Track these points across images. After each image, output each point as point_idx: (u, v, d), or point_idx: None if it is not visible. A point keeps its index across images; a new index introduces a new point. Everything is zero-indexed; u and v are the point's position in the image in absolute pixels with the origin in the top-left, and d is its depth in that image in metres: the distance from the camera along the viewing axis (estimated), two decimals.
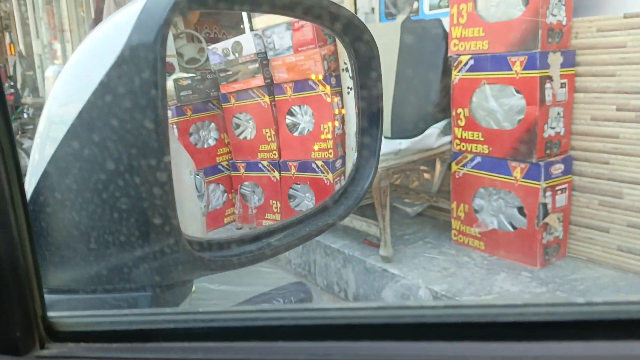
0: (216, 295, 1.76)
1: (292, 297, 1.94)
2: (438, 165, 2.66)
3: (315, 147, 2.67)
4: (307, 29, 2.51)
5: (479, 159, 2.28)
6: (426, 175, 2.76)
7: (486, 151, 2.25)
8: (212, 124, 3.12)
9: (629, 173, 2.02)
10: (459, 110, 2.31)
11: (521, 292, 1.98)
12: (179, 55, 4.22)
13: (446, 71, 2.36)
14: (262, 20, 2.84)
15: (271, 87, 2.80)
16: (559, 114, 2.11)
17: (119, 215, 0.41)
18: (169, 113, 2.92)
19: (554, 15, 1.99)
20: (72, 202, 0.42)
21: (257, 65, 2.76)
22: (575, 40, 2.09)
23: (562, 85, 2.08)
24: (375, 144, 0.57)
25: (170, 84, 2.90)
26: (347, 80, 2.44)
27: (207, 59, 3.86)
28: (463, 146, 2.34)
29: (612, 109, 2.03)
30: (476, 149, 2.28)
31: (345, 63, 2.48)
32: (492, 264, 2.25)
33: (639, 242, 2.03)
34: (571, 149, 2.20)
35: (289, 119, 2.79)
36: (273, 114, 2.83)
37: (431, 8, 2.74)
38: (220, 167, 3.14)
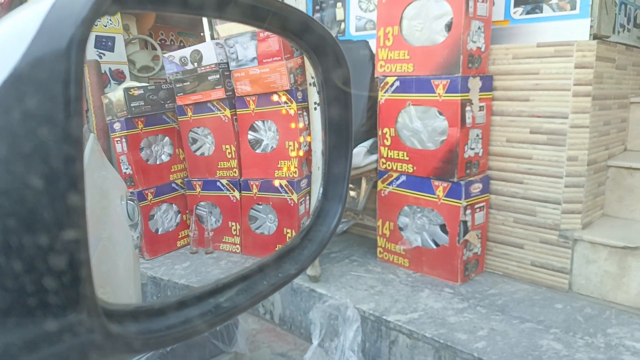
0: None
1: None
2: (364, 184, 2.69)
3: (279, 166, 2.53)
4: (273, 39, 2.39)
5: (403, 177, 2.33)
6: (352, 193, 2.79)
7: (411, 170, 2.30)
8: (166, 139, 2.91)
9: (542, 192, 2.15)
10: (385, 129, 2.36)
11: (444, 308, 2.03)
12: (131, 62, 3.95)
13: (373, 91, 2.40)
14: (225, 28, 2.67)
15: (232, 100, 2.65)
16: (477, 135, 2.21)
17: (9, 279, 0.28)
18: (118, 125, 2.69)
19: (474, 42, 2.09)
20: None
21: (217, 76, 2.59)
22: (493, 66, 2.21)
23: (481, 108, 2.19)
24: (344, 177, 0.50)
25: (120, 93, 2.66)
26: (314, 96, 2.35)
27: (162, 68, 3.62)
28: (389, 165, 2.38)
29: (525, 132, 2.16)
30: (401, 167, 2.33)
31: (312, 77, 2.37)
32: (416, 280, 2.29)
33: (551, 258, 2.16)
34: (488, 169, 2.31)
35: (251, 135, 2.64)
36: (234, 129, 2.67)
37: (357, 30, 2.79)
38: (174, 185, 2.94)
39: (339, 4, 2.88)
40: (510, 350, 1.70)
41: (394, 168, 2.36)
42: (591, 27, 2.02)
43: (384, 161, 2.40)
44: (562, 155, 2.08)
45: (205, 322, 0.38)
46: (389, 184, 2.40)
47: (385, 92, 2.32)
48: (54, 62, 0.28)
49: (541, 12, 2.14)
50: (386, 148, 2.38)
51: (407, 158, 2.30)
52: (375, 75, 2.38)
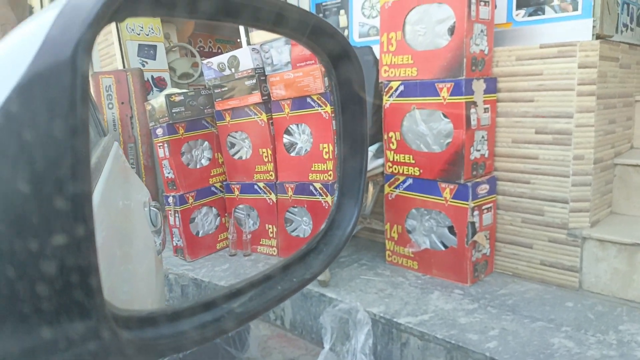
0: None
1: None
2: (371, 188, 2.70)
3: (314, 169, 2.55)
4: None
5: (410, 180, 2.35)
6: None
7: (417, 173, 2.32)
8: (206, 143, 2.97)
9: (549, 191, 2.16)
10: (391, 133, 2.37)
11: (454, 309, 2.03)
12: (171, 69, 4.05)
13: (377, 96, 2.42)
14: (260, 34, 2.68)
15: (268, 104, 2.68)
16: (483, 137, 2.22)
17: (3, 286, 0.28)
18: (160, 131, 2.74)
19: (477, 45, 2.11)
20: None
21: (254, 81, 2.63)
22: (497, 68, 2.23)
23: (486, 110, 2.20)
24: (360, 178, 0.49)
25: (162, 99, 2.73)
26: None
27: (201, 74, 3.67)
28: (395, 168, 2.40)
29: (531, 132, 2.17)
30: (407, 171, 2.35)
31: None
32: (425, 282, 2.30)
33: (560, 256, 2.16)
34: (495, 170, 2.32)
35: (286, 138, 2.67)
36: (270, 133, 2.70)
37: (361, 36, 2.82)
38: (213, 188, 2.98)
39: (342, 11, 2.91)
40: (521, 349, 1.70)
41: (401, 171, 2.38)
42: (594, 27, 2.03)
43: (390, 165, 2.42)
44: (569, 154, 2.09)
45: (218, 328, 0.38)
46: (395, 188, 2.41)
47: (389, 97, 2.35)
48: (59, 70, 0.28)
49: (543, 13, 2.16)
50: (392, 152, 2.39)
51: (413, 161, 2.32)
52: (380, 80, 2.40)
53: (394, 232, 2.47)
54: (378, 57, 2.41)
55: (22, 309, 0.28)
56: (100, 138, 1.16)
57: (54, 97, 0.28)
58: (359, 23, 2.83)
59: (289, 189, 2.66)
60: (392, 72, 2.33)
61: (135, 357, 0.32)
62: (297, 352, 2.25)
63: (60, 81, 0.28)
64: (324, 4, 3.03)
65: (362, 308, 2.06)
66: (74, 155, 0.28)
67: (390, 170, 2.42)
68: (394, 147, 2.38)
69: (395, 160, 2.39)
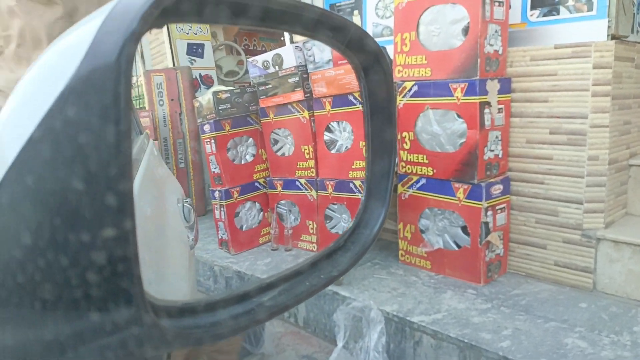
0: None
1: None
2: None
3: (354, 166, 2.57)
4: None
5: (424, 180, 2.36)
6: None
7: (431, 173, 2.32)
8: (250, 139, 3.04)
9: (563, 192, 2.15)
10: (404, 134, 2.39)
11: (468, 309, 2.04)
12: (218, 67, 4.15)
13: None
14: None
15: (310, 101, 2.71)
16: (497, 137, 2.23)
17: (58, 274, 0.30)
18: (207, 127, 2.83)
19: (491, 45, 2.11)
20: None
21: (297, 78, 2.67)
22: (511, 69, 2.23)
23: (500, 110, 2.20)
24: (387, 179, 0.51)
25: (209, 96, 2.80)
26: None
27: (247, 72, 3.78)
28: (408, 168, 2.41)
29: (545, 133, 2.17)
30: (421, 171, 2.36)
31: None
32: (438, 282, 2.31)
33: (574, 257, 2.16)
34: (509, 170, 2.32)
35: (327, 136, 2.70)
36: (312, 130, 2.74)
37: (374, 36, 2.83)
38: (257, 184, 3.05)
39: (355, 12, 2.92)
40: (535, 349, 1.71)
41: (414, 171, 2.39)
42: (609, 27, 2.03)
43: (404, 165, 2.43)
44: (583, 155, 2.09)
45: (250, 319, 0.40)
46: (409, 187, 2.42)
47: (403, 97, 2.36)
48: (104, 75, 0.30)
49: (558, 14, 2.16)
50: (406, 152, 2.40)
51: (427, 161, 2.33)
52: (393, 80, 2.41)
53: (407, 232, 2.48)
54: (392, 57, 2.42)
55: (74, 295, 0.31)
56: (137, 136, 1.19)
57: (99, 103, 0.30)
58: (373, 23, 2.85)
59: (329, 185, 2.69)
60: (405, 73, 2.34)
61: (174, 343, 0.35)
62: (311, 349, 2.28)
63: (105, 87, 0.30)
64: (337, 4, 3.05)
65: (376, 306, 2.07)
66: (119, 156, 0.30)
67: (404, 170, 2.44)
68: (407, 147, 2.39)
69: (408, 160, 2.40)
